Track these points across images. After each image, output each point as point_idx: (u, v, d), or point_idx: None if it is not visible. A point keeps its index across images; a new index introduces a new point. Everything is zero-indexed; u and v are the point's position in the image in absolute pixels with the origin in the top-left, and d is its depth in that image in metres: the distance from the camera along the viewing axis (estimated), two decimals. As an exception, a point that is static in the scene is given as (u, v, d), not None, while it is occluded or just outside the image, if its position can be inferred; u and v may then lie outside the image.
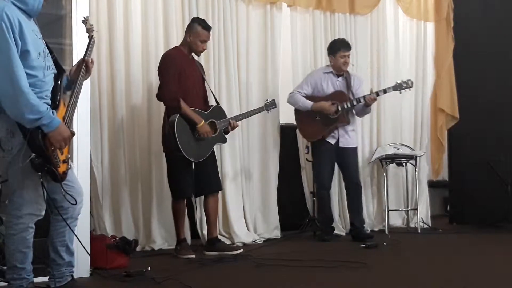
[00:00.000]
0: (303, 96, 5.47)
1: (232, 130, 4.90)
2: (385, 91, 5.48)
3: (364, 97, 5.36)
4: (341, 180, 5.84)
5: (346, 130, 5.45)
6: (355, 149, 5.61)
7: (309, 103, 5.41)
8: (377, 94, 5.42)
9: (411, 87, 5.58)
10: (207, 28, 4.74)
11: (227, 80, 5.46)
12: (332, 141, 5.42)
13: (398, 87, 5.51)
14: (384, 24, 6.49)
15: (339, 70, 5.48)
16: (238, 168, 5.50)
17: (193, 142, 4.60)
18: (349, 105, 5.36)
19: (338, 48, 5.46)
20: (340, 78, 5.50)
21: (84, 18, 3.33)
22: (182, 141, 4.50)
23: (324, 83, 5.48)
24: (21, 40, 2.80)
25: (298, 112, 5.55)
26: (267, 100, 5.26)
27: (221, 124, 4.81)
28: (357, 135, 5.75)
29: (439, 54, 6.80)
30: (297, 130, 5.71)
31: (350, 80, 5.49)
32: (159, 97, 4.67)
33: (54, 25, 3.88)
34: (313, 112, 5.40)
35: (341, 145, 5.43)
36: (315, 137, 5.47)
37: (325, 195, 5.52)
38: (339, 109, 5.35)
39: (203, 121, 4.62)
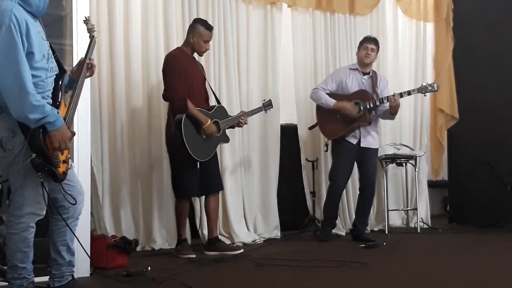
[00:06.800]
0: (327, 93, 5.38)
1: (241, 126, 4.98)
2: (409, 93, 5.38)
3: (387, 97, 5.24)
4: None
5: (369, 131, 5.35)
6: (376, 150, 5.51)
7: (331, 101, 5.30)
8: (401, 95, 5.28)
9: (436, 90, 5.47)
10: (210, 28, 4.75)
11: (227, 80, 5.46)
12: (353, 141, 5.32)
13: (423, 89, 5.40)
14: (384, 25, 6.50)
15: (362, 64, 5.37)
16: (238, 167, 5.51)
17: (199, 141, 4.61)
18: (371, 105, 5.25)
19: (363, 41, 5.42)
20: (365, 77, 5.40)
21: (86, 18, 3.33)
22: (189, 141, 4.50)
23: (349, 80, 5.38)
24: (27, 42, 2.80)
25: (319, 109, 5.45)
26: (264, 100, 5.25)
27: (224, 124, 4.82)
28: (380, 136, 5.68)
29: (439, 54, 6.81)
30: (318, 127, 5.57)
31: (376, 80, 5.40)
32: (166, 97, 4.67)
33: (54, 26, 3.88)
34: (335, 110, 5.31)
35: (362, 145, 5.32)
36: (334, 135, 5.36)
37: (337, 195, 5.45)
38: (361, 108, 5.26)
39: (209, 121, 4.63)
